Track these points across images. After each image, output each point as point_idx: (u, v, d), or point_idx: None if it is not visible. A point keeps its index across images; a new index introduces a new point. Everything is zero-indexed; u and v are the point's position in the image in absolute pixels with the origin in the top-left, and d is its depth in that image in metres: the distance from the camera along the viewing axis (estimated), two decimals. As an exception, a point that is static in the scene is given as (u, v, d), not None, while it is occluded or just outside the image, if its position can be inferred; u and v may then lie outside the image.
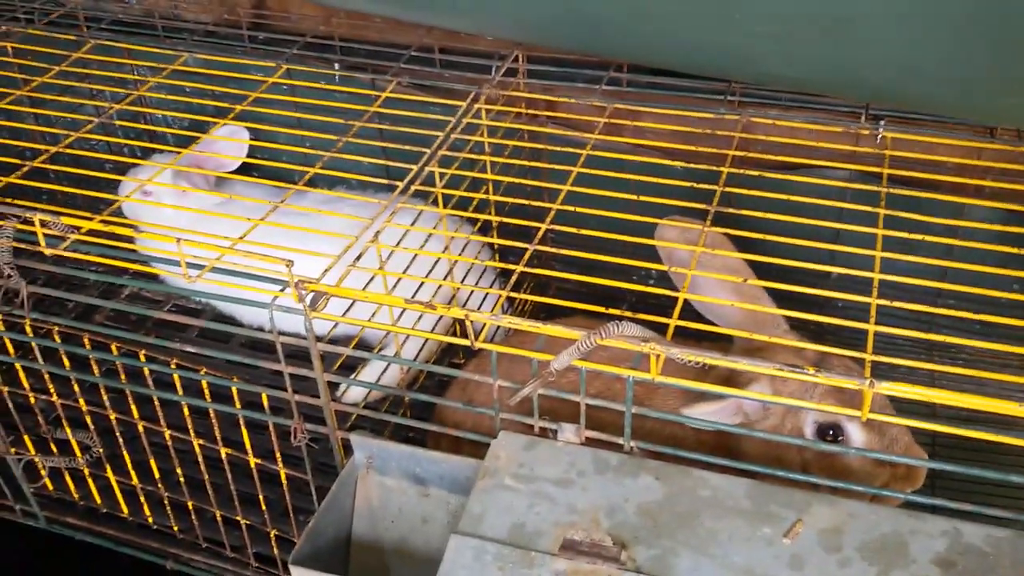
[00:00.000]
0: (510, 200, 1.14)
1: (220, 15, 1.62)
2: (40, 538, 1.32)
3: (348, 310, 1.02)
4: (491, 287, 1.42)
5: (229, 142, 1.41)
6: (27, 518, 1.31)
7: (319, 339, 0.94)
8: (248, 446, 1.06)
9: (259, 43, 1.53)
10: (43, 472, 1.21)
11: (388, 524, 1.00)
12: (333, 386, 1.01)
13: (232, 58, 1.39)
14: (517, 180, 1.35)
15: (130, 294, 1.59)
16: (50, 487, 1.25)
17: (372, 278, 0.98)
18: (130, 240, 1.10)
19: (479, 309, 1.11)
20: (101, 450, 1.18)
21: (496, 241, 1.17)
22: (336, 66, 1.48)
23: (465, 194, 1.17)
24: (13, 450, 1.20)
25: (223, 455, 1.08)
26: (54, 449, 1.21)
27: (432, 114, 1.30)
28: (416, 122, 1.22)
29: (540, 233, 0.97)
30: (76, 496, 1.26)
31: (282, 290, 0.89)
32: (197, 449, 1.10)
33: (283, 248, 0.90)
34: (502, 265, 1.42)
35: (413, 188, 1.05)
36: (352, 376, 1.11)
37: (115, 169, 1.29)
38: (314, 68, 1.45)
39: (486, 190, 1.32)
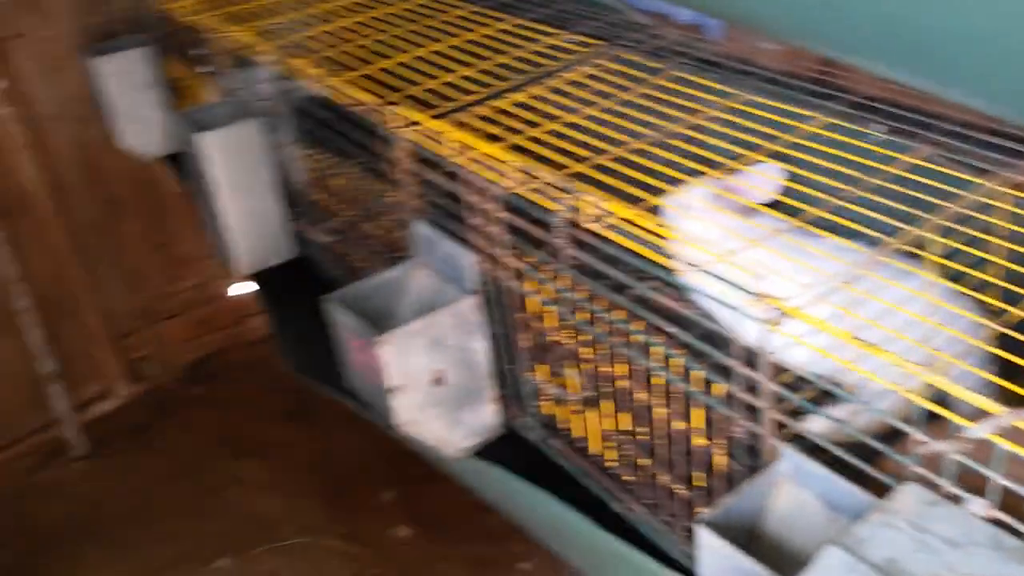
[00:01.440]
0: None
1: (787, 65, 1.78)
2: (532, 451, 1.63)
3: (815, 341, 1.12)
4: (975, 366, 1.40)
5: (763, 177, 1.57)
6: (526, 431, 1.63)
7: (772, 354, 1.07)
8: (703, 426, 1.22)
9: (813, 95, 1.66)
10: (546, 397, 1.51)
11: (787, 534, 1.09)
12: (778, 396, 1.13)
13: (784, 104, 1.54)
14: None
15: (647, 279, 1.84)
16: (546, 410, 1.54)
17: (842, 318, 1.07)
18: (660, 237, 1.32)
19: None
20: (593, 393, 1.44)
21: (994, 326, 1.17)
22: (874, 127, 1.56)
23: (965, 269, 1.18)
24: (533, 373, 1.51)
25: (673, 426, 1.26)
26: (557, 382, 1.50)
27: (948, 185, 1.33)
28: (930, 190, 1.26)
29: None
30: (559, 424, 1.54)
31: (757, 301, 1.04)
32: (659, 414, 1.29)
33: (766, 268, 1.04)
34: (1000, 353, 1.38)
35: (904, 247, 1.12)
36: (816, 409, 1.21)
37: (663, 179, 1.52)
38: (855, 125, 1.54)
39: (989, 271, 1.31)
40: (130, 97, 2.62)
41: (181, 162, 2.53)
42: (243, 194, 2.15)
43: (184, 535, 2.84)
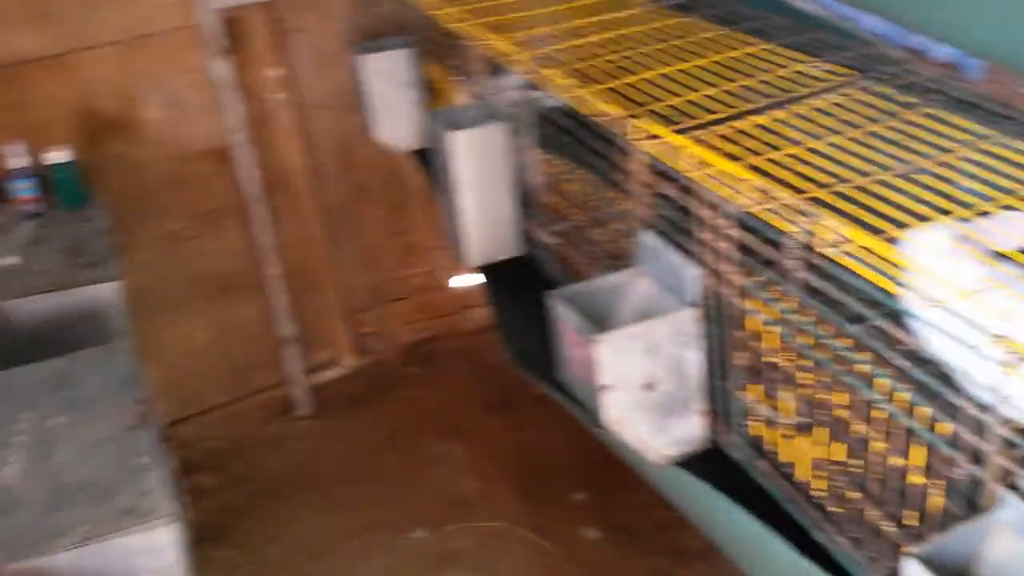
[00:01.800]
0: None
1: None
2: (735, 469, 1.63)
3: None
4: None
5: (1016, 223, 1.49)
6: (731, 448, 1.63)
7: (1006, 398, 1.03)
8: (922, 465, 1.19)
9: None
10: (756, 417, 1.51)
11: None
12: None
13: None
14: None
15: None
16: (754, 431, 1.54)
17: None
18: (898, 269, 1.30)
19: None
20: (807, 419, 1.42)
21: None
22: None
23: None
24: (745, 392, 1.52)
25: (890, 462, 1.23)
26: (770, 403, 1.49)
27: None
28: None
29: None
30: (767, 446, 1.53)
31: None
32: (875, 448, 1.26)
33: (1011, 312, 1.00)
34: None
35: None
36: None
37: (906, 213, 1.47)
38: None
39: None
40: (389, 93, 2.81)
41: (427, 157, 2.70)
42: (482, 191, 2.26)
43: (386, 502, 3.01)
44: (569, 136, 1.98)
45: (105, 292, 2.19)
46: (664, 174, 1.62)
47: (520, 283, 2.29)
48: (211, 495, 3.09)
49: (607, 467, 2.98)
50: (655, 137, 1.60)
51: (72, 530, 1.47)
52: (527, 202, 2.29)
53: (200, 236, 3.31)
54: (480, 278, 3.29)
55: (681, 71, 1.86)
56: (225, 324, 3.45)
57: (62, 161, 2.54)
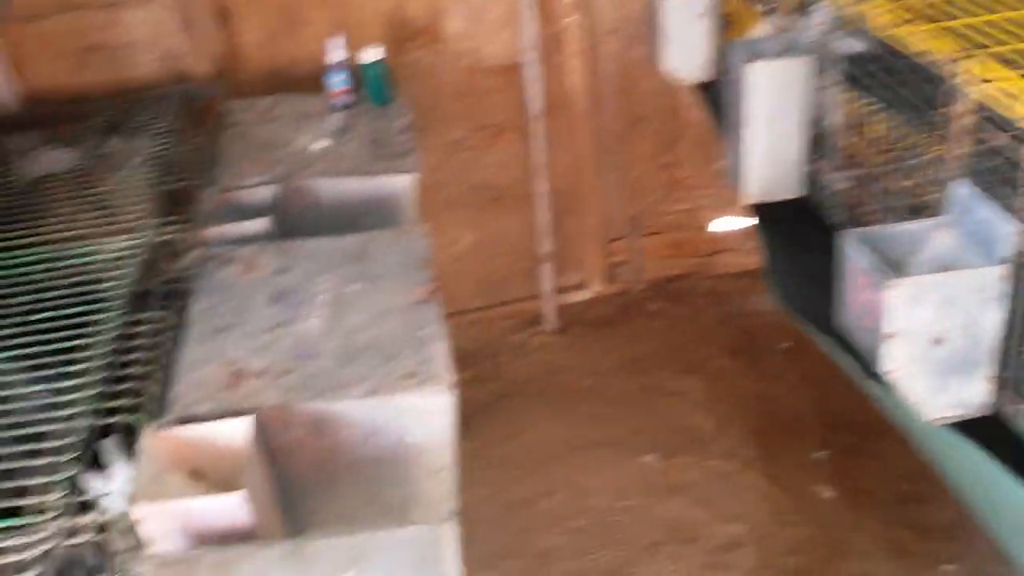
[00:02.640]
0: None
1: None
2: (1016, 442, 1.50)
3: None
4: None
5: None
6: (1016, 419, 1.50)
7: None
8: None
9: None
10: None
11: None
12: None
13: None
14: None
15: None
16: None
17: None
18: None
19: None
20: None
21: None
22: None
23: None
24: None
25: None
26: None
27: None
28: None
29: None
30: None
31: None
32: None
33: None
34: None
35: None
36: None
37: None
38: None
39: None
40: (683, 24, 2.74)
41: (712, 90, 2.62)
42: (772, 127, 2.17)
43: (619, 423, 3.04)
44: (880, 77, 1.85)
45: (401, 183, 2.31)
46: (992, 121, 1.47)
47: (798, 225, 2.19)
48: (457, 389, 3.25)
49: (852, 430, 2.86)
50: (989, 81, 1.45)
51: (359, 383, 1.59)
52: (817, 142, 2.17)
53: (480, 147, 3.42)
54: (744, 223, 3.20)
55: None
56: (489, 234, 3.57)
57: (374, 60, 2.69)
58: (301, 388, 1.57)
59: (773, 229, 2.33)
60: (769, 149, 2.20)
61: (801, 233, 2.13)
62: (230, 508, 1.35)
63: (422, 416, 1.56)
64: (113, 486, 1.37)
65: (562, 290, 3.66)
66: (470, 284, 3.62)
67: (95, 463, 1.58)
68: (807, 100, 2.14)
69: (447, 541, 1.27)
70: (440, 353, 1.63)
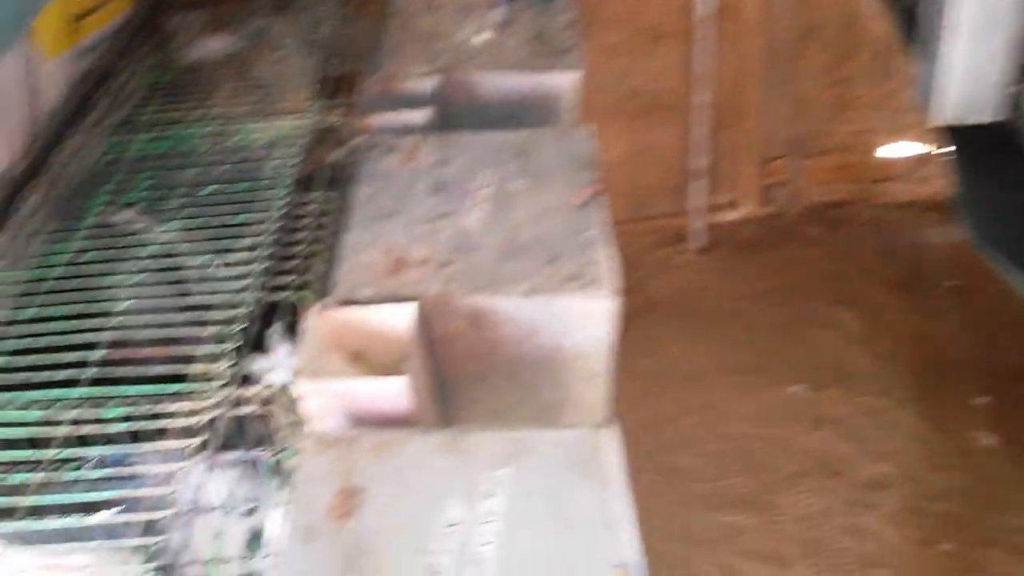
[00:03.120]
0: None
1: None
2: None
3: None
4: None
5: None
6: None
7: None
8: None
9: None
10: None
11: None
12: None
13: None
14: None
15: None
16: None
17: None
18: None
19: None
20: None
21: None
22: None
23: None
24: None
25: None
26: None
27: None
28: None
29: None
30: None
31: None
32: None
33: None
34: None
35: None
36: None
37: None
38: None
39: None
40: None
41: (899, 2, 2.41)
42: (975, 40, 1.98)
43: (764, 351, 2.94)
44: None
45: (564, 80, 2.23)
46: None
47: (997, 153, 2.01)
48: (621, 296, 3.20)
49: (1020, 379, 2.67)
50: None
51: (520, 280, 1.54)
52: (1029, 60, 1.97)
53: (637, 53, 3.29)
54: (917, 149, 2.98)
55: None
56: (641, 145, 3.46)
57: (540, -48, 2.58)
58: (462, 280, 1.54)
59: (967, 155, 2.14)
60: (971, 65, 2.01)
61: (1001, 161, 1.94)
62: (391, 392, 1.35)
63: (583, 320, 1.52)
64: (276, 362, 1.39)
65: (712, 208, 3.53)
66: (616, 196, 3.51)
67: (260, 338, 1.61)
68: (1020, 12, 1.93)
69: (610, 445, 1.23)
70: (604, 257, 1.57)
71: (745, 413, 2.74)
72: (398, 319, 1.48)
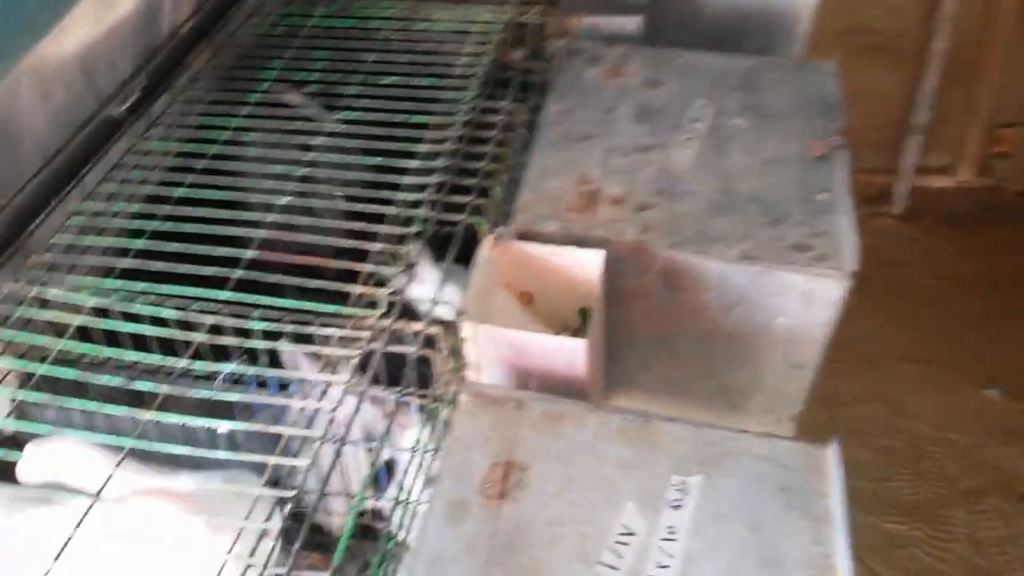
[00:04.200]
0: None
1: None
2: None
3: None
4: None
5: None
6: None
7: None
8: None
9: None
10: None
11: None
12: None
13: None
14: None
15: None
16: None
17: None
18: None
19: None
20: None
21: None
22: None
23: None
24: None
25: None
26: None
27: None
28: None
29: None
30: None
31: None
32: None
33: None
34: None
35: None
36: None
37: None
38: None
39: None
40: None
41: None
42: None
43: (960, 342, 2.62)
44: None
45: (800, 2, 1.92)
46: None
47: None
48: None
49: None
50: None
51: (733, 241, 1.30)
52: None
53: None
54: None
55: None
56: (854, 88, 3.07)
57: None
58: (663, 230, 1.32)
59: None
60: None
61: None
62: (568, 353, 1.15)
63: (805, 300, 1.27)
64: (441, 295, 1.21)
65: (922, 170, 3.14)
66: (815, 140, 3.17)
67: (424, 266, 1.43)
68: None
69: (834, 471, 1.00)
70: (843, 228, 1.31)
71: (926, 410, 2.44)
72: (583, 264, 1.27)
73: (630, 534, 0.96)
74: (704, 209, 1.35)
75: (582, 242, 1.28)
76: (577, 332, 1.29)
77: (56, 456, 1.02)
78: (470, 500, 1.00)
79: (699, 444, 1.05)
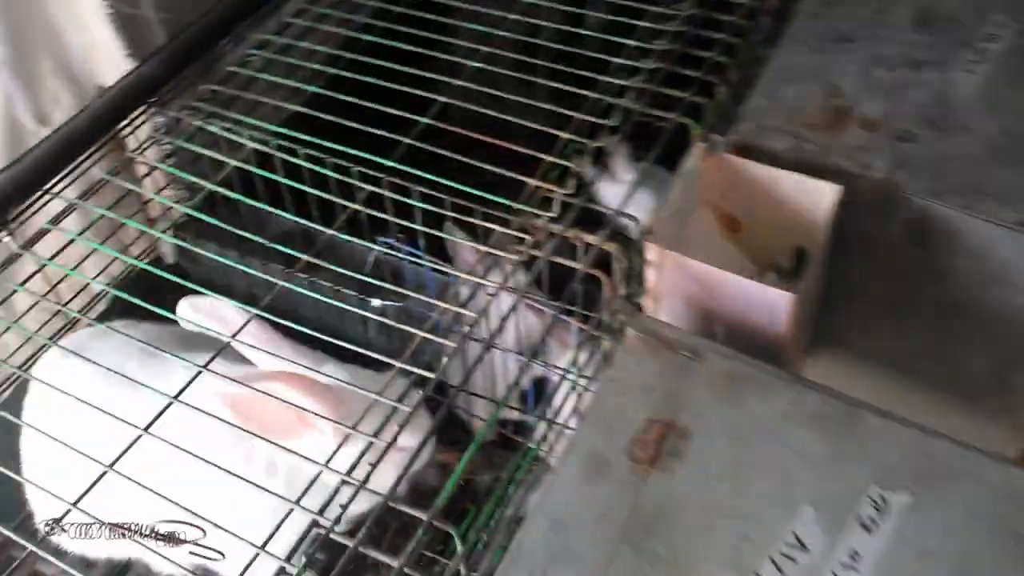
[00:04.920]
0: None
1: None
2: None
3: None
4: None
5: None
6: None
7: None
8: None
9: None
10: None
11: None
12: None
13: None
14: None
15: None
16: None
17: None
18: None
19: None
20: None
21: None
22: None
23: None
24: None
25: None
26: None
27: None
28: None
29: None
30: None
31: None
32: None
33: None
34: None
35: None
36: None
37: None
38: None
39: None
40: None
41: None
42: None
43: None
44: None
45: None
46: None
47: None
48: None
49: None
50: None
51: (1011, 200, 1.02)
52: None
53: None
54: None
55: None
56: None
57: None
58: (924, 170, 1.05)
59: None
60: None
61: None
62: (769, 304, 0.95)
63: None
64: (629, 205, 1.02)
65: None
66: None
67: (617, 166, 1.24)
68: None
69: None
70: None
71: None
72: (812, 197, 1.04)
73: (801, 547, 0.77)
74: (982, 153, 1.07)
75: (816, 169, 1.04)
76: (787, 275, 1.07)
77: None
78: (614, 459, 0.83)
79: (914, 453, 0.83)
